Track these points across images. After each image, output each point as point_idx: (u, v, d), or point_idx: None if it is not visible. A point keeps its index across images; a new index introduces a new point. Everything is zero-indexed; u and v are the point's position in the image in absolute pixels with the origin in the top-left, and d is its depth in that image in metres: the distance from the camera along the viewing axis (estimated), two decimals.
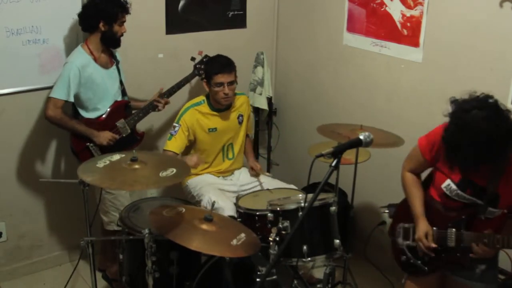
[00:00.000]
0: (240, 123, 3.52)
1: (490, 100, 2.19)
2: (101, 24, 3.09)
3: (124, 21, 3.16)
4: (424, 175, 2.64)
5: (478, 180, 2.34)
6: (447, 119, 2.25)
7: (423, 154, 2.47)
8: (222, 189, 3.39)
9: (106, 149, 3.12)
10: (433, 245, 2.46)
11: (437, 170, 2.48)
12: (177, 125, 3.34)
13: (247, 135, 3.67)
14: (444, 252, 2.48)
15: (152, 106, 3.37)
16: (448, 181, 2.41)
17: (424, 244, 2.48)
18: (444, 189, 2.43)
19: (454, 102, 2.25)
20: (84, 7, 3.16)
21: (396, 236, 2.65)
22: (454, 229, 2.43)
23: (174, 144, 3.31)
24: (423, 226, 2.49)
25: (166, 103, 3.41)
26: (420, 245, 2.50)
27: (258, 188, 3.43)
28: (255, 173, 3.53)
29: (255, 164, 3.55)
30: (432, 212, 2.52)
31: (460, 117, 2.18)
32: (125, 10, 3.13)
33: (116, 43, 3.19)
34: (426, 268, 2.54)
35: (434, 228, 2.49)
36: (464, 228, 2.42)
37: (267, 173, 3.51)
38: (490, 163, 2.21)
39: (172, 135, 3.33)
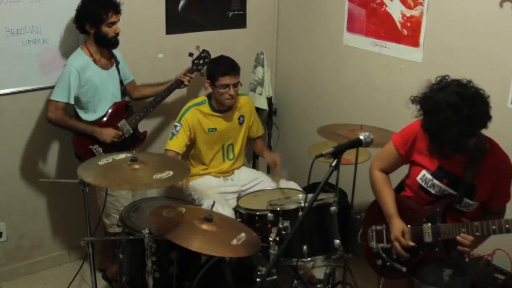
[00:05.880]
0: (241, 123, 3.51)
1: (449, 81, 2.21)
2: (87, 27, 3.06)
3: (114, 22, 3.07)
4: (394, 183, 2.62)
5: (454, 170, 2.31)
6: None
7: (398, 149, 2.46)
8: (223, 191, 3.39)
9: (110, 150, 3.11)
10: (411, 243, 2.41)
11: (412, 165, 2.46)
12: (178, 124, 3.34)
13: (259, 137, 3.66)
14: (422, 249, 2.42)
15: (162, 96, 3.39)
16: (423, 172, 2.38)
17: (402, 243, 2.42)
18: (420, 181, 2.40)
19: (415, 99, 2.26)
20: (76, 10, 3.11)
21: (369, 240, 2.61)
22: (429, 224, 2.38)
23: (176, 143, 3.31)
24: (398, 225, 2.44)
25: (190, 78, 3.48)
26: (396, 245, 2.44)
27: (259, 187, 3.43)
28: (275, 166, 3.49)
29: (272, 159, 3.50)
30: (405, 210, 2.47)
31: (425, 104, 2.20)
32: (110, 10, 3.03)
33: (110, 44, 3.13)
34: (404, 268, 2.48)
35: (409, 225, 2.44)
36: (439, 221, 2.37)
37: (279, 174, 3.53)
38: (474, 135, 2.20)
39: (173, 134, 3.33)
